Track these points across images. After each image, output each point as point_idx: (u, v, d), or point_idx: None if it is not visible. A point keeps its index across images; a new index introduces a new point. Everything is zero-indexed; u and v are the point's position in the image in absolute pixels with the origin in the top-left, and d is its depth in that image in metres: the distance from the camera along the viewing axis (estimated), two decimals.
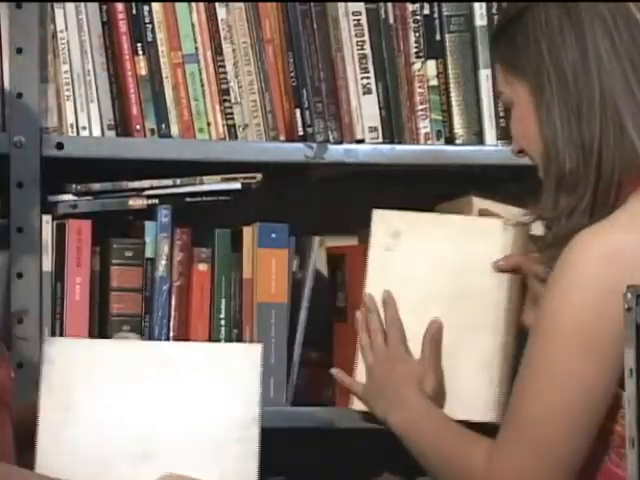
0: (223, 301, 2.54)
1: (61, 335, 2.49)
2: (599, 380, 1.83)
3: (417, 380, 2.26)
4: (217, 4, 2.56)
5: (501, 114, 2.59)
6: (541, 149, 2.06)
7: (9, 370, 2.11)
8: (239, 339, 2.55)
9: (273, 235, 2.55)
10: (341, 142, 2.55)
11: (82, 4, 2.53)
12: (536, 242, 2.21)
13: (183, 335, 2.53)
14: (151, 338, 2.53)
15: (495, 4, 2.63)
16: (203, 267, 2.55)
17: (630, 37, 2.03)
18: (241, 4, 2.57)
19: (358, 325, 2.34)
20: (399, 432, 2.25)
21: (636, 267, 1.88)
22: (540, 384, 1.93)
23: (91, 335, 2.51)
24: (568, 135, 1.99)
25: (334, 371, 2.39)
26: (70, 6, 2.52)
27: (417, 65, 2.60)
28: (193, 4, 2.56)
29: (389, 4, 2.60)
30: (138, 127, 2.52)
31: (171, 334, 2.53)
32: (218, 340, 2.54)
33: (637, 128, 1.98)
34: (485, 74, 2.59)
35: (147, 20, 2.54)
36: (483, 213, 2.55)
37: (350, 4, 2.58)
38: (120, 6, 2.54)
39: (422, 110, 2.59)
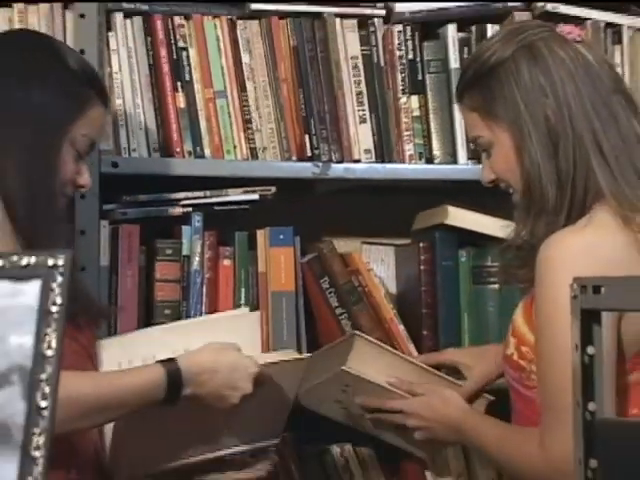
0: (243, 290, 2.67)
1: (115, 318, 2.57)
2: None
3: (452, 404, 2.26)
4: (242, 50, 2.68)
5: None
6: (522, 182, 2.09)
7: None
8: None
9: (281, 236, 2.68)
10: (342, 162, 2.68)
11: (133, 50, 2.64)
12: (508, 248, 2.17)
13: None
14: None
15: (466, 51, 2.72)
16: (227, 262, 2.68)
17: (588, 78, 2.08)
18: (261, 50, 2.66)
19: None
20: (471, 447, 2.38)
21: (604, 262, 1.93)
22: (558, 368, 1.90)
23: (139, 316, 2.60)
24: (547, 171, 2.04)
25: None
26: (123, 52, 2.62)
27: (403, 99, 2.73)
28: (222, 50, 2.67)
29: (380, 50, 2.71)
30: (178, 149, 2.64)
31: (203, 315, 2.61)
32: None
33: (598, 161, 2.02)
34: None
35: (185, 63, 2.65)
36: None
37: (349, 50, 2.71)
38: (163, 51, 2.63)
39: (407, 136, 2.72)
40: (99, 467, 2.20)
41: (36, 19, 2.61)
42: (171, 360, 2.07)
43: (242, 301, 2.68)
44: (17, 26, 2.59)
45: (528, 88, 2.09)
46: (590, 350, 1.56)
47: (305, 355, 2.28)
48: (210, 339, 2.18)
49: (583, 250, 1.98)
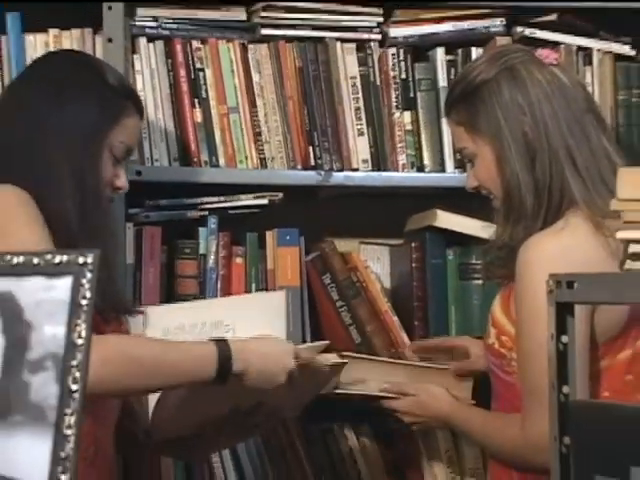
0: (254, 285, 2.65)
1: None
2: None
3: (441, 400, 2.27)
4: (252, 71, 2.67)
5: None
6: (502, 190, 2.11)
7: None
8: None
9: (288, 237, 2.68)
10: (342, 170, 2.67)
11: (155, 70, 2.64)
12: (490, 249, 2.20)
13: None
14: None
15: (453, 71, 2.71)
16: (239, 260, 2.67)
17: (563, 99, 2.10)
18: (269, 71, 2.66)
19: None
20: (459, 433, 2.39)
21: (578, 263, 1.92)
22: (536, 354, 1.91)
23: None
24: (525, 182, 2.06)
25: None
26: (146, 72, 2.62)
27: (397, 115, 2.71)
28: (235, 70, 2.66)
29: (376, 71, 2.69)
30: (195, 159, 2.63)
31: None
32: None
33: (571, 173, 2.05)
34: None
35: (202, 82, 2.65)
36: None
37: (348, 70, 2.69)
38: (182, 72, 2.63)
39: (400, 147, 2.70)
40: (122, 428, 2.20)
41: (69, 43, 2.62)
42: (223, 340, 2.03)
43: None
44: (53, 49, 2.58)
45: (508, 106, 2.10)
46: (564, 339, 1.58)
47: (346, 360, 2.24)
48: (241, 314, 2.23)
49: (559, 252, 1.99)
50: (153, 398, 2.13)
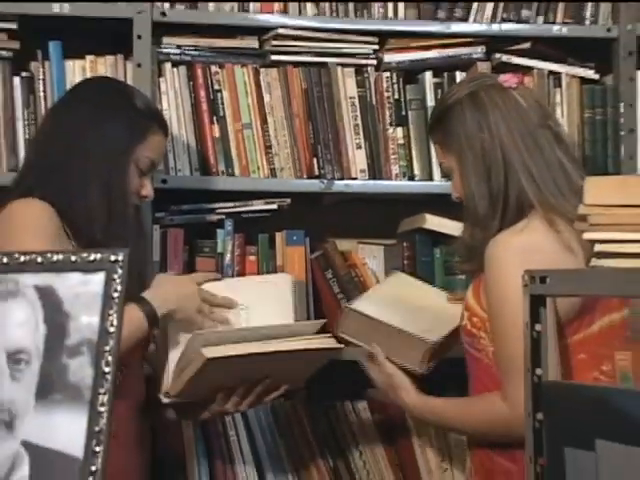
0: None
1: None
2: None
3: (405, 394, 2.21)
4: (264, 92, 2.65)
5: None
6: (465, 201, 2.15)
7: None
8: None
9: (294, 238, 2.66)
10: (342, 179, 2.66)
11: (179, 92, 2.62)
12: (458, 248, 2.25)
13: None
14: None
15: (439, 92, 2.70)
16: (252, 258, 2.65)
17: (518, 117, 2.11)
18: (279, 92, 2.65)
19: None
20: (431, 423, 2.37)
21: (537, 256, 1.96)
22: (509, 338, 1.93)
23: None
24: (479, 191, 2.09)
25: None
26: (171, 93, 2.62)
27: (390, 130, 2.70)
28: (248, 92, 2.64)
29: (373, 92, 2.69)
30: (214, 169, 2.62)
31: None
32: None
33: (526, 179, 2.06)
34: None
35: (219, 102, 2.63)
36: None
37: (348, 91, 2.68)
38: (202, 93, 2.62)
39: (393, 159, 2.70)
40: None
41: (104, 68, 2.62)
42: (141, 297, 2.10)
43: None
44: (89, 73, 2.60)
45: (469, 126, 2.12)
46: (537, 327, 1.60)
47: (342, 346, 2.23)
48: (254, 294, 2.25)
49: (521, 247, 2.01)
50: (172, 363, 2.15)
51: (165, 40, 2.65)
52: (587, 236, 1.56)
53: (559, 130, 2.20)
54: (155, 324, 2.11)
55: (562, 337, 2.02)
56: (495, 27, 2.76)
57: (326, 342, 2.18)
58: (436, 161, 2.70)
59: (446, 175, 2.60)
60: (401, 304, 2.40)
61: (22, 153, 2.54)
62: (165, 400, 2.16)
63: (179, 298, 2.15)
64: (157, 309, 2.09)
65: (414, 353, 2.27)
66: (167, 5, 2.62)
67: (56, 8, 2.55)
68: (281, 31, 2.67)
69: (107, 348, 1.20)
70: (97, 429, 1.17)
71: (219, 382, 2.14)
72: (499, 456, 2.08)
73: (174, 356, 2.14)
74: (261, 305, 2.25)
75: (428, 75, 2.75)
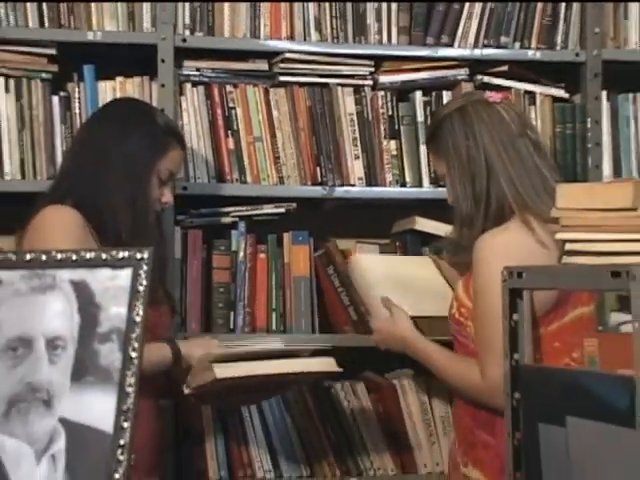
0: (274, 275, 2.63)
1: (185, 292, 2.57)
2: None
3: (401, 325, 2.25)
4: (273, 109, 2.64)
5: (433, 170, 2.66)
6: (452, 202, 2.16)
7: (170, 314, 2.27)
8: (283, 298, 2.62)
9: (300, 238, 2.65)
10: (342, 186, 2.65)
11: (197, 109, 2.61)
12: (446, 245, 2.28)
13: (252, 295, 2.60)
14: (235, 298, 2.59)
15: (428, 109, 2.70)
16: (262, 256, 2.64)
17: (501, 128, 2.11)
18: (286, 109, 2.64)
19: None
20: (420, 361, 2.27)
21: (516, 252, 1.97)
22: (489, 320, 1.92)
23: (201, 294, 2.57)
24: (463, 194, 2.10)
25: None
26: (191, 110, 2.60)
27: (384, 143, 2.69)
28: (259, 109, 2.63)
29: (369, 109, 2.68)
30: (228, 177, 2.61)
31: (246, 294, 2.59)
32: (272, 298, 2.61)
33: (507, 184, 2.07)
34: (424, 149, 2.64)
35: (234, 118, 2.62)
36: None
37: (347, 108, 2.67)
38: (219, 110, 2.61)
39: (388, 168, 2.68)
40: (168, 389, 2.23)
41: (132, 88, 2.62)
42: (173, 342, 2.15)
43: (273, 283, 2.64)
44: (119, 93, 2.60)
45: (457, 137, 2.13)
46: (515, 317, 1.60)
47: (341, 370, 2.21)
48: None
49: (504, 245, 2.01)
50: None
51: (186, 63, 2.64)
52: (559, 236, 1.55)
53: (537, 139, 2.20)
54: (179, 363, 2.14)
55: (540, 327, 2.02)
56: (477, 52, 2.76)
57: (326, 365, 2.17)
58: (425, 169, 2.71)
59: (434, 182, 2.69)
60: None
61: (59, 164, 2.53)
62: (186, 391, 2.15)
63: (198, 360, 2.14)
64: (183, 356, 2.13)
65: None
66: (187, 32, 2.63)
67: (90, 36, 2.56)
68: (288, 55, 2.66)
69: (134, 335, 1.20)
70: (125, 407, 1.18)
71: (228, 386, 2.13)
72: (480, 430, 2.08)
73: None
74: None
75: (418, 94, 2.74)
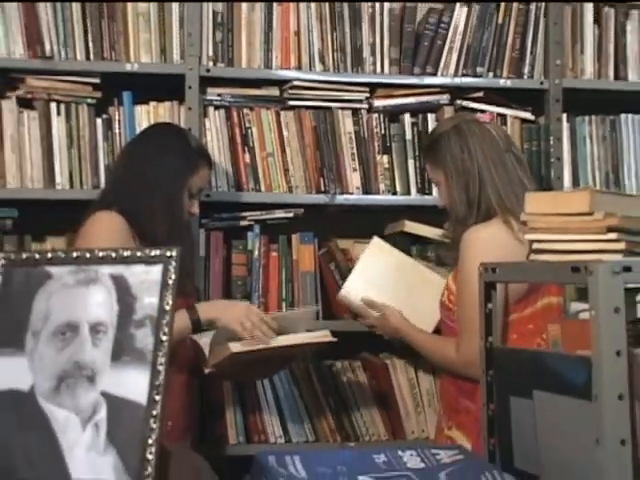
0: (284, 270, 2.62)
1: (208, 285, 2.55)
2: None
3: (393, 319, 2.28)
4: (283, 128, 2.63)
5: (419, 180, 2.67)
6: (449, 205, 2.17)
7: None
8: (292, 289, 2.60)
9: (306, 238, 2.65)
10: (342, 194, 2.64)
11: (219, 129, 2.60)
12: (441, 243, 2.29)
13: (265, 287, 2.59)
14: (251, 289, 2.58)
15: (415, 129, 2.69)
16: (274, 254, 2.63)
17: (491, 144, 2.13)
18: (294, 128, 2.63)
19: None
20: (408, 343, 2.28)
21: (496, 245, 1.99)
22: (468, 305, 1.91)
23: (222, 286, 2.56)
24: (460, 199, 2.11)
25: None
26: (213, 130, 2.58)
27: (378, 158, 2.68)
28: (272, 128, 2.62)
29: (365, 128, 2.67)
30: (245, 187, 2.60)
31: (260, 286, 2.58)
32: (282, 290, 2.60)
33: (493, 191, 2.09)
34: (411, 163, 2.67)
35: (250, 136, 2.61)
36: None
37: (346, 128, 2.66)
38: (237, 129, 2.59)
39: (381, 178, 2.67)
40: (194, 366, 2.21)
41: (163, 111, 2.61)
42: (193, 307, 2.10)
43: (283, 277, 2.63)
44: (152, 115, 2.60)
45: (454, 150, 2.14)
46: (489, 306, 1.58)
47: (335, 339, 2.17)
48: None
49: (486, 239, 2.03)
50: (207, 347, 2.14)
51: (209, 90, 2.63)
52: (527, 237, 1.54)
53: (519, 155, 2.21)
54: (197, 327, 2.09)
55: (515, 312, 2.03)
56: (457, 80, 2.75)
57: (322, 336, 2.15)
58: (413, 180, 2.70)
59: (420, 191, 2.69)
60: (387, 286, 2.38)
61: (102, 175, 2.55)
62: (206, 371, 2.15)
63: (223, 310, 2.12)
64: (200, 314, 2.08)
65: None
66: (211, 64, 2.62)
67: (128, 67, 2.56)
68: (296, 83, 2.65)
69: (164, 322, 1.19)
70: (157, 383, 1.17)
71: (243, 361, 2.13)
72: (463, 397, 2.09)
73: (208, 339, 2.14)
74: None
75: (407, 116, 2.73)
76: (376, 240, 2.46)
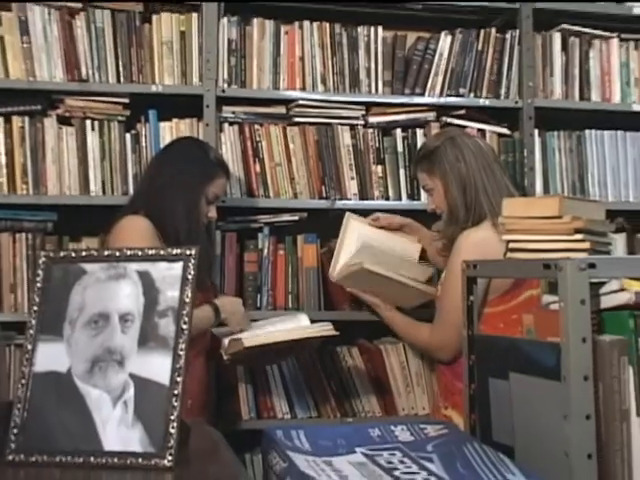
0: (290, 267, 2.61)
1: (223, 279, 2.55)
2: None
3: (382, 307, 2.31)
4: (289, 141, 2.62)
5: (409, 188, 2.66)
6: (447, 208, 2.14)
7: (214, 298, 2.21)
8: (297, 284, 2.58)
9: (309, 239, 2.64)
10: (341, 199, 2.64)
11: (233, 142, 2.60)
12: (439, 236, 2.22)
13: (274, 282, 2.58)
14: (261, 283, 2.56)
15: (406, 143, 2.68)
16: (281, 252, 2.62)
17: (481, 154, 2.13)
18: (299, 141, 2.62)
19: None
20: (391, 326, 2.31)
21: (485, 246, 1.96)
22: (450, 297, 1.94)
23: (236, 280, 2.55)
24: (459, 203, 2.10)
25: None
26: (228, 144, 2.59)
27: (373, 167, 2.67)
28: (279, 142, 2.61)
29: (362, 142, 2.66)
30: (256, 193, 2.58)
31: (269, 281, 2.57)
32: (288, 284, 2.58)
33: (484, 197, 2.08)
34: (402, 172, 2.67)
35: (260, 149, 2.61)
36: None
37: (345, 141, 2.65)
38: (249, 143, 2.60)
39: (375, 186, 2.67)
40: (212, 351, 2.21)
41: (184, 127, 2.61)
42: (213, 303, 2.13)
43: (290, 273, 2.62)
44: (174, 132, 2.59)
45: (451, 160, 2.13)
46: (471, 298, 1.57)
47: (337, 333, 2.16)
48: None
49: (478, 242, 2.01)
50: (227, 339, 2.13)
51: (224, 108, 2.63)
52: (504, 237, 1.54)
53: (503, 165, 2.22)
54: (218, 320, 2.14)
55: (502, 303, 2.00)
56: (442, 99, 2.74)
57: (326, 330, 2.14)
58: (404, 187, 2.69)
59: (410, 197, 2.67)
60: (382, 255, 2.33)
61: (130, 183, 2.55)
62: (225, 358, 2.15)
63: (229, 312, 2.16)
64: (220, 309, 2.12)
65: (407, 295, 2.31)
66: (226, 85, 2.61)
67: (154, 88, 2.56)
68: (300, 102, 2.65)
69: (184, 312, 1.19)
70: (178, 366, 1.17)
71: (255, 352, 2.12)
72: (457, 380, 2.07)
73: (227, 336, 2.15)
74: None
75: (398, 131, 2.73)
76: (348, 214, 2.44)
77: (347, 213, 2.43)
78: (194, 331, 1.20)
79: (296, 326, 2.14)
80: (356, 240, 2.36)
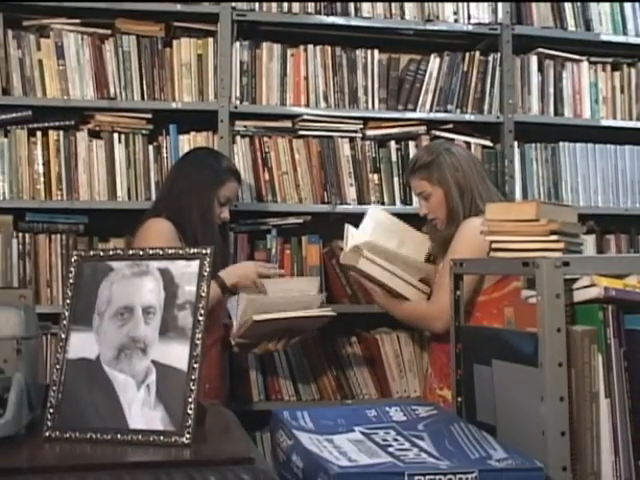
0: (295, 265, 2.60)
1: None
2: None
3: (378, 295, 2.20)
4: (295, 153, 2.61)
5: (402, 194, 2.64)
6: (447, 211, 2.11)
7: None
8: None
9: (313, 240, 2.63)
10: (342, 204, 2.62)
11: (244, 153, 2.58)
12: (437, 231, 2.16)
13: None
14: None
15: (400, 153, 2.67)
16: (288, 252, 2.61)
17: (473, 163, 2.13)
18: (304, 153, 2.61)
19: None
20: (387, 311, 2.20)
21: (474, 231, 1.79)
22: (445, 276, 1.84)
23: None
24: (460, 206, 2.09)
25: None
26: (240, 154, 2.58)
27: (370, 175, 2.66)
28: (286, 153, 2.61)
29: (360, 152, 2.64)
30: (265, 199, 2.59)
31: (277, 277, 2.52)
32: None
33: (481, 201, 2.05)
34: (396, 180, 2.65)
35: (269, 159, 2.60)
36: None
37: (345, 152, 2.64)
38: (258, 153, 2.58)
39: (372, 192, 2.65)
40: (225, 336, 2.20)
41: (200, 139, 2.60)
42: (218, 276, 2.08)
43: (295, 270, 2.60)
44: (192, 143, 2.58)
45: (450, 168, 2.12)
46: (458, 293, 1.55)
47: (335, 313, 2.12)
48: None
49: (474, 227, 1.90)
50: (237, 318, 2.10)
51: (237, 123, 2.62)
52: (487, 238, 1.52)
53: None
54: (226, 290, 2.10)
55: (495, 291, 2.00)
56: (432, 115, 2.74)
57: (325, 311, 2.13)
58: (397, 193, 2.68)
59: (403, 202, 2.64)
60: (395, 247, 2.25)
61: (153, 189, 2.54)
62: (233, 343, 2.14)
63: (240, 275, 2.12)
64: (225, 281, 2.09)
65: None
66: (238, 102, 2.61)
67: (174, 105, 2.56)
68: (305, 117, 2.64)
69: (200, 305, 1.19)
70: (195, 354, 1.16)
71: (263, 331, 2.11)
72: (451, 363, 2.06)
73: (239, 312, 2.11)
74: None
75: (393, 143, 2.72)
76: (373, 206, 2.42)
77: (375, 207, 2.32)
78: None
79: (304, 299, 2.08)
80: (370, 230, 2.27)
